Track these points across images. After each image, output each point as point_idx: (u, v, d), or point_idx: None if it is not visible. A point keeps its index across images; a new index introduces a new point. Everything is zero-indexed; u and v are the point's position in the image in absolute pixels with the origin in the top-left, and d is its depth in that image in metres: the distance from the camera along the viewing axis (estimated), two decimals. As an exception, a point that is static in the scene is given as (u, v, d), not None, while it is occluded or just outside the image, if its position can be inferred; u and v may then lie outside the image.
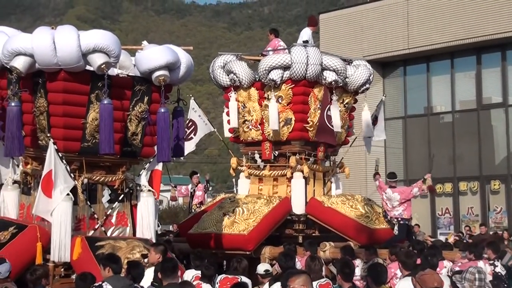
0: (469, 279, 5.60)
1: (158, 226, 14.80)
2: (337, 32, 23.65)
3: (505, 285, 9.21)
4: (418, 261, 8.09)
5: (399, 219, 12.02)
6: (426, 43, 22.00)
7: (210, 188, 15.50)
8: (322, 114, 11.65)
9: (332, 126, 11.70)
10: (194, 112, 13.33)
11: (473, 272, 5.62)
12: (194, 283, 7.88)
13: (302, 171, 11.79)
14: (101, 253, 7.96)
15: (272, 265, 9.34)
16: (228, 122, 12.33)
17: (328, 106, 11.70)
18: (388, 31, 22.68)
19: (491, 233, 18.40)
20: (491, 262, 10.03)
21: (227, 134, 12.72)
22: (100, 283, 6.38)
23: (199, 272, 8.28)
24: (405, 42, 22.40)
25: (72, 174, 8.32)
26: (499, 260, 10.16)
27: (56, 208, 8.06)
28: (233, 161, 12.57)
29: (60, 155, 8.20)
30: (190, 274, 8.48)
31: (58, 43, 8.02)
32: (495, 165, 22.00)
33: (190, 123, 13.20)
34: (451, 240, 17.38)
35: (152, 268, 7.32)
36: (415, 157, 23.23)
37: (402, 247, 10.48)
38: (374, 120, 13.41)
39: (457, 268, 8.45)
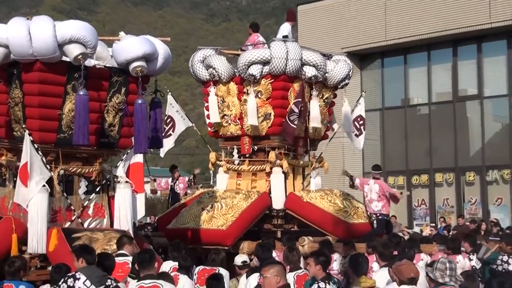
0: (440, 269, 5.70)
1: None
2: (315, 24, 23.70)
3: (479, 279, 9.34)
4: (395, 253, 8.18)
5: (378, 214, 12.10)
6: (403, 35, 22.13)
7: (193, 184, 15.33)
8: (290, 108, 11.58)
9: (291, 122, 11.60)
10: (172, 108, 13.22)
11: (444, 262, 5.72)
12: (172, 274, 7.88)
13: (281, 166, 11.79)
14: (78, 244, 7.92)
15: (250, 260, 9.37)
16: (208, 116, 12.31)
17: (296, 100, 11.63)
18: (366, 23, 22.78)
19: (467, 223, 18.63)
20: (467, 255, 10.19)
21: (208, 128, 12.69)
22: (74, 273, 6.37)
23: (177, 263, 8.28)
24: (383, 34, 22.52)
25: (48, 166, 8.26)
26: (475, 254, 10.34)
27: (32, 200, 7.99)
28: (212, 155, 12.55)
29: (36, 146, 8.13)
30: (167, 266, 8.47)
31: (33, 33, 7.94)
32: (470, 157, 22.25)
33: (169, 119, 13.10)
34: (426, 231, 17.59)
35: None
36: (392, 148, 23.42)
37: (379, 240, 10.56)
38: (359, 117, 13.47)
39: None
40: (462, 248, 10.24)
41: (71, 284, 6.26)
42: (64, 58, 8.23)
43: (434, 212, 22.09)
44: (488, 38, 21.56)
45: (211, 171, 13.43)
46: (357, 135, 13.32)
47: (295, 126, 11.56)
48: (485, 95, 21.86)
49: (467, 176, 21.71)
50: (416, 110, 23.55)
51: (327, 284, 6.60)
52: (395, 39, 22.36)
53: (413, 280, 6.08)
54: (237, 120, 12.12)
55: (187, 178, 15.42)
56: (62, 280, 6.33)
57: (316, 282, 6.71)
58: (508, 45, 21.35)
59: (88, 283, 6.27)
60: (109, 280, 6.44)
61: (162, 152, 12.81)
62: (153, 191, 16.35)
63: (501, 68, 21.58)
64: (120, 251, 7.77)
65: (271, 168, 11.84)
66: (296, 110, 11.47)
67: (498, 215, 20.18)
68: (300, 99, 11.58)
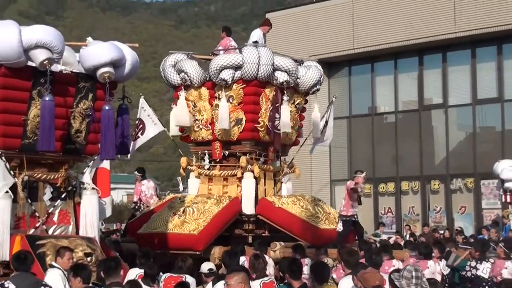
0: (406, 277, 5.70)
1: (102, 224, 14.58)
2: (284, 31, 23.75)
3: (446, 285, 9.44)
4: (363, 260, 8.19)
5: (340, 216, 12.20)
6: (370, 44, 22.32)
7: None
8: (270, 115, 11.67)
9: (274, 128, 11.67)
10: (144, 111, 13.14)
11: (410, 270, 5.72)
12: (138, 282, 7.80)
13: (253, 171, 11.80)
14: (42, 252, 7.83)
15: (220, 266, 9.33)
16: (176, 120, 12.28)
17: (274, 107, 11.68)
18: (334, 31, 22.93)
19: (432, 232, 18.76)
20: (438, 260, 10.33)
21: (173, 132, 12.65)
22: (3, 282, 6.24)
23: (143, 270, 8.21)
24: (350, 42, 22.69)
25: (12, 172, 8.15)
26: (443, 260, 10.51)
27: (-5, 206, 7.88)
28: (183, 160, 12.53)
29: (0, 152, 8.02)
30: (134, 273, 8.40)
31: (-2, 38, 7.84)
32: (435, 165, 22.49)
33: (139, 122, 13.01)
34: (392, 239, 17.69)
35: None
36: (359, 156, 23.56)
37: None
38: (325, 124, 13.57)
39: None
40: (433, 254, 10.40)
41: None
42: (30, 63, 8.14)
43: (400, 220, 22.27)
44: (453, 48, 21.86)
45: (178, 178, 13.29)
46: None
47: (280, 132, 11.63)
48: (449, 104, 22.14)
49: (432, 185, 21.94)
50: (383, 118, 23.75)
51: None
52: (362, 48, 22.54)
53: (378, 288, 6.10)
54: (208, 125, 12.10)
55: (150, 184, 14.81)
56: None
57: None
58: (472, 54, 21.65)
59: None
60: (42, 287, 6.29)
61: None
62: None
63: (465, 78, 21.87)
64: None
65: (242, 173, 11.85)
66: (278, 116, 11.56)
67: (462, 223, 20.39)
68: (278, 104, 11.66)
